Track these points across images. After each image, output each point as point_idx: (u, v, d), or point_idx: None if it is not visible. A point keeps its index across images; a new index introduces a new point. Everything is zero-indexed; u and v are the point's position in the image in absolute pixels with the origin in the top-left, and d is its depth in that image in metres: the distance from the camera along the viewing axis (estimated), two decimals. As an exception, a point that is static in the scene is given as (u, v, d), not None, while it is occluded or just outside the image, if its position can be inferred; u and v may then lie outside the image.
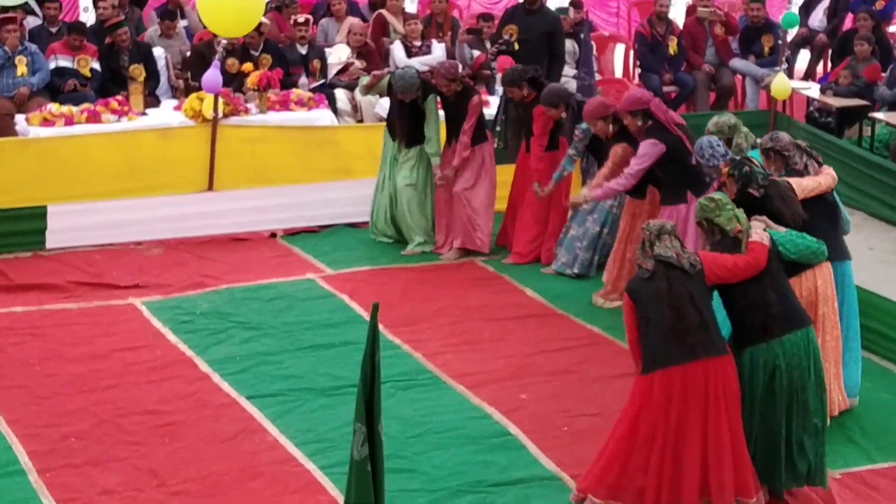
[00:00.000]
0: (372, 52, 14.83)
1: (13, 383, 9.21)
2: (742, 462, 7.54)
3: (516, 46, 13.77)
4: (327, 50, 14.98)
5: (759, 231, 7.77)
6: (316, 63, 14.62)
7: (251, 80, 13.34)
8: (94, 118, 12.58)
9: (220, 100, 12.46)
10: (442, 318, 10.50)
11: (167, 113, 13.24)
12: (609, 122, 10.63)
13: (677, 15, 17.46)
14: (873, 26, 15.57)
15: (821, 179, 8.75)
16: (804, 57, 17.41)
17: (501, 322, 10.44)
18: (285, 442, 8.48)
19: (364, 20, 15.88)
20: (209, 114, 12.40)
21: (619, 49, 17.71)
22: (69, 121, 12.52)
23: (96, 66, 13.85)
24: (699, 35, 16.29)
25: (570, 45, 14.89)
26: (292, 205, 12.38)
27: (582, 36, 14.08)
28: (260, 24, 13.40)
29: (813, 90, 15.50)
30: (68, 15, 16.28)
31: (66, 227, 11.71)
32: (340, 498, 7.62)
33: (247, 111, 12.97)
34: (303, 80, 14.42)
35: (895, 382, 9.60)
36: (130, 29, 14.37)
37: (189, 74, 14.24)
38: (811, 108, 15.46)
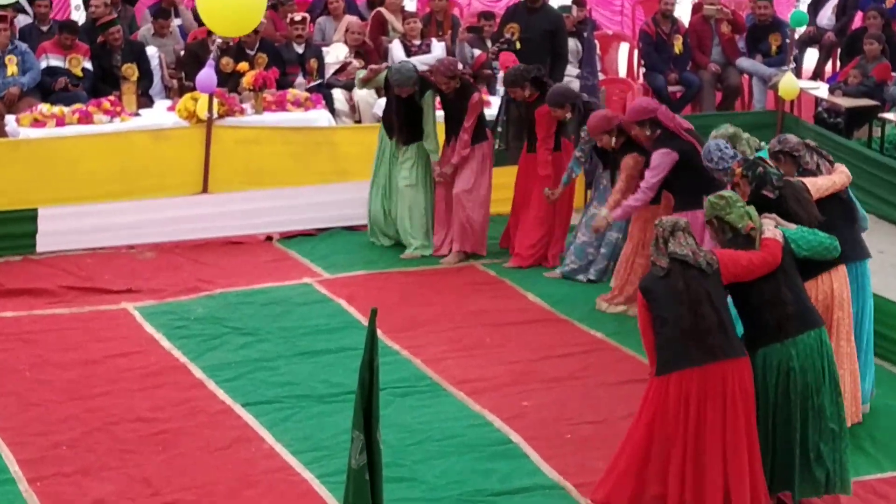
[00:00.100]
0: (370, 52, 14.79)
1: (3, 390, 9.17)
2: (756, 470, 7.47)
3: (518, 45, 13.72)
4: (324, 49, 14.96)
5: (772, 228, 7.74)
6: (313, 62, 14.56)
7: (247, 80, 13.28)
8: (85, 119, 12.57)
9: (215, 100, 12.43)
10: (442, 323, 10.47)
11: (161, 113, 13.21)
12: (614, 135, 10.62)
13: (683, 13, 17.42)
14: (883, 24, 15.56)
15: (835, 178, 8.69)
16: (812, 56, 17.43)
17: (503, 327, 10.42)
18: (281, 450, 8.44)
19: (362, 18, 15.86)
20: (203, 114, 12.37)
21: (624, 48, 17.69)
22: (60, 121, 12.50)
23: (88, 65, 13.81)
24: (705, 34, 16.25)
25: (572, 43, 14.80)
26: (289, 207, 12.35)
27: (585, 34, 14.12)
28: (255, 23, 13.40)
29: (821, 90, 15.48)
30: (59, 13, 16.26)
31: (57, 231, 11.67)
32: (338, 508, 7.55)
33: (242, 112, 12.95)
34: (299, 79, 14.39)
35: (906, 389, 9.58)
36: (123, 27, 14.34)
37: (183, 74, 14.19)
38: (819, 109, 15.42)
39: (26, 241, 11.59)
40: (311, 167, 12.61)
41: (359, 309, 10.59)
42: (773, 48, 15.99)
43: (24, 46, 13.56)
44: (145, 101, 13.61)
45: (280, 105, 13.28)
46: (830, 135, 13.84)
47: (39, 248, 11.61)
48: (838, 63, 16.62)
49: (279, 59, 14.19)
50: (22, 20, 14.68)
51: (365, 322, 10.08)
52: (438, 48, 14.75)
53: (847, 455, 7.75)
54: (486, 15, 15.64)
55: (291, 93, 13.53)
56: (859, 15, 16.78)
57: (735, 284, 7.54)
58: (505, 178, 11.93)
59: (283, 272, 11.43)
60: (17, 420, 8.72)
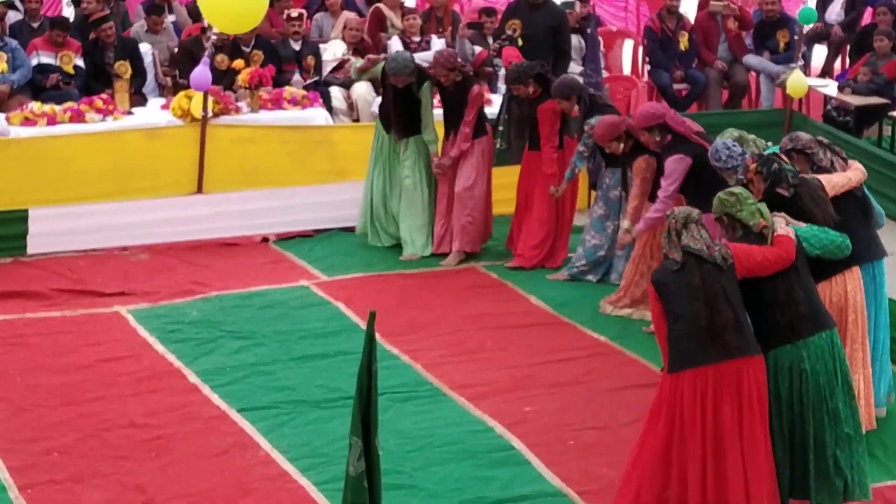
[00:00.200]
0: (369, 49, 14.72)
1: (-7, 395, 9.21)
2: (770, 471, 7.42)
3: (520, 42, 13.68)
4: (322, 46, 14.93)
5: (783, 226, 7.67)
6: (310, 60, 14.52)
7: (242, 78, 13.25)
8: (77, 117, 12.54)
9: (210, 98, 12.39)
10: (442, 326, 10.46)
11: (154, 112, 13.21)
12: (622, 141, 10.58)
13: (688, 9, 17.48)
14: (893, 20, 15.57)
15: (850, 175, 8.65)
16: (821, 53, 17.48)
17: (504, 330, 10.41)
18: (278, 457, 8.42)
19: (360, 14, 15.85)
20: (198, 113, 12.35)
21: (628, 45, 17.68)
22: (52, 120, 12.48)
23: (80, 62, 13.76)
24: (711, 30, 16.27)
25: (576, 40, 14.82)
26: (285, 208, 12.32)
27: (588, 31, 14.05)
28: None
29: (830, 88, 15.48)
30: (50, 9, 16.30)
31: (48, 232, 11.63)
32: (335, 514, 7.60)
33: (237, 110, 12.92)
34: (296, 77, 14.35)
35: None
36: (116, 24, 14.31)
37: (177, 72, 14.18)
38: (828, 107, 15.41)
39: (17, 243, 11.57)
40: (308, 167, 12.58)
41: (357, 312, 10.57)
42: (781, 45, 16.00)
43: (14, 43, 13.53)
44: (138, 99, 13.60)
45: (276, 103, 13.25)
46: (839, 133, 13.77)
47: (30, 250, 11.59)
48: (847, 60, 16.67)
49: (275, 57, 14.15)
50: (12, 16, 14.66)
51: (363, 325, 9.97)
52: (438, 45, 14.68)
53: (865, 459, 7.67)
54: (488, 11, 15.61)
55: (288, 91, 13.50)
56: (869, 11, 16.82)
57: (748, 282, 7.43)
58: (507, 178, 11.92)
59: (280, 274, 11.41)
60: (7, 426, 8.70)
